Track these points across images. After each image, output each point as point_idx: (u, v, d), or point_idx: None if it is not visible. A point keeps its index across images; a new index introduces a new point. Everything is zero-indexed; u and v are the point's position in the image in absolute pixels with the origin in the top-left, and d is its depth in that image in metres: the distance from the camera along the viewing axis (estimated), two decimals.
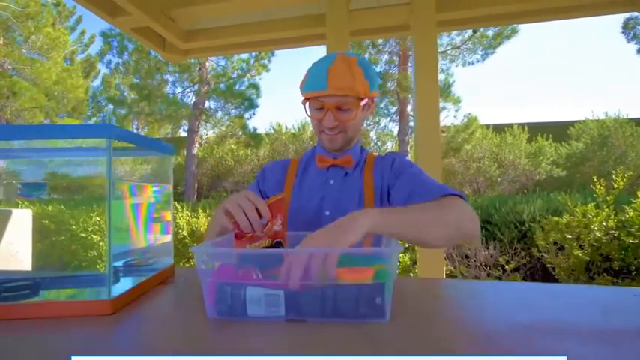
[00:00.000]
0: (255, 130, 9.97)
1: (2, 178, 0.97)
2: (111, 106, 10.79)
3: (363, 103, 0.84)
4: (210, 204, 5.68)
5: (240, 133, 10.06)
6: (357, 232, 0.55)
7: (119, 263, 0.69)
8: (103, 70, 11.77)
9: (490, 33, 7.98)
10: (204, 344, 0.45)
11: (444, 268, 2.26)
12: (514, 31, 7.79)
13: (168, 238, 0.86)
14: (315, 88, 0.83)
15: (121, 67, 10.11)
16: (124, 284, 0.65)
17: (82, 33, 12.56)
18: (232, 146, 10.58)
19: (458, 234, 0.70)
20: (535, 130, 9.22)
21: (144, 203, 0.79)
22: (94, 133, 0.57)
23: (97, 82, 12.42)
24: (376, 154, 0.99)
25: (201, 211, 4.50)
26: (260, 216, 0.62)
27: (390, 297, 0.49)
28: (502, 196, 6.22)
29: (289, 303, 0.49)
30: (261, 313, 0.50)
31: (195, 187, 9.91)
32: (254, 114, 9.89)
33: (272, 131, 10.92)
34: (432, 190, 0.79)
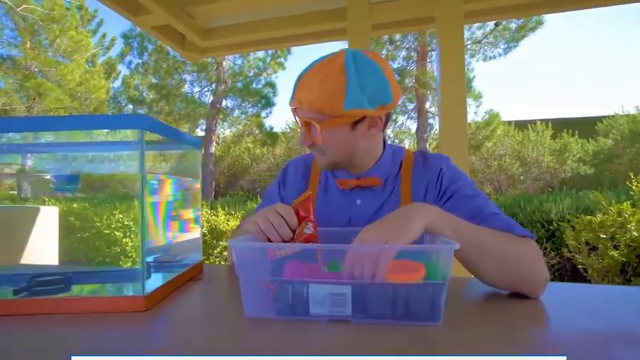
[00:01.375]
0: (271, 128, 10.00)
1: (30, 175, 0.97)
2: (130, 106, 11.03)
3: (334, 122, 0.67)
4: (228, 202, 5.73)
5: (256, 132, 10.12)
6: (417, 228, 0.50)
7: (149, 259, 0.67)
8: (124, 71, 12.04)
9: (513, 25, 7.72)
10: (240, 344, 0.42)
11: None
12: (539, 23, 7.48)
13: (197, 234, 0.84)
14: (290, 98, 0.72)
15: (140, 69, 10.32)
16: (156, 280, 0.63)
17: (104, 36, 12.88)
18: (249, 145, 10.66)
19: (519, 284, 0.58)
20: (560, 126, 8.90)
21: (172, 198, 0.77)
22: (127, 124, 0.55)
23: (117, 84, 12.73)
24: (413, 151, 0.84)
25: (220, 208, 4.54)
26: (293, 231, 0.59)
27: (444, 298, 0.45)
28: (526, 194, 6.03)
29: (356, 303, 0.46)
30: (324, 313, 0.47)
31: (213, 185, 10.04)
32: (270, 112, 9.93)
33: (288, 129, 10.94)
34: (499, 221, 0.66)
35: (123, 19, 2.36)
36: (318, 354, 0.39)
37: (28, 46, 9.91)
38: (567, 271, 3.18)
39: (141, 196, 0.55)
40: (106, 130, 0.72)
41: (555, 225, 3.40)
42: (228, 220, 4.21)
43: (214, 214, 4.42)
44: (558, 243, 3.26)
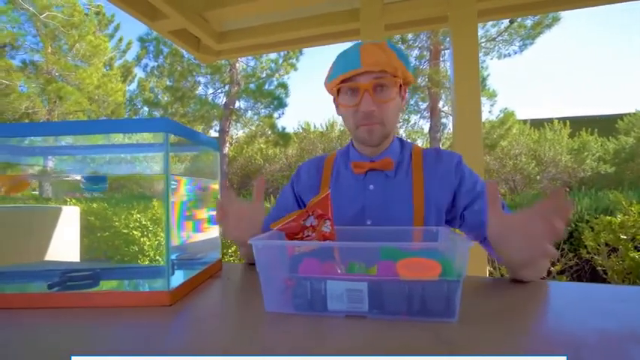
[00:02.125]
0: (283, 129, 10.07)
1: (51, 175, 1.02)
2: (146, 109, 11.27)
3: (399, 84, 0.78)
4: None
5: (269, 133, 10.21)
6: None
7: (172, 257, 0.70)
8: (139, 74, 12.32)
9: (529, 22, 7.57)
10: (261, 338, 0.44)
11: (487, 269, 2.16)
12: (556, 19, 7.31)
13: (216, 233, 0.86)
14: (348, 68, 0.75)
15: (155, 71, 10.54)
16: (179, 277, 0.66)
17: (120, 40, 13.21)
18: (262, 145, 10.76)
19: (539, 274, 0.64)
20: (578, 124, 8.67)
21: (192, 198, 0.80)
22: (152, 127, 0.58)
23: (132, 86, 13.03)
24: (422, 147, 0.88)
25: None
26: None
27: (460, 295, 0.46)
28: (542, 194, 5.90)
29: (372, 299, 0.47)
30: (342, 309, 0.48)
31: (226, 185, 10.16)
32: (283, 113, 10.00)
33: (300, 130, 10.99)
34: None
35: (138, 23, 2.43)
36: (337, 350, 0.41)
37: (49, 51, 10.25)
38: (586, 273, 3.11)
39: (165, 197, 0.58)
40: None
41: (573, 225, 3.33)
42: None
43: None
44: (576, 244, 3.19)
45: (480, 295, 0.61)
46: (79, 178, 0.88)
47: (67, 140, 0.79)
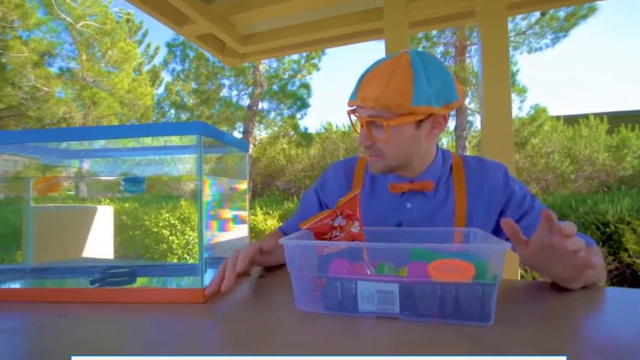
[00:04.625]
0: (306, 129, 10.12)
1: (86, 177, 1.07)
2: (173, 111, 11.63)
3: (401, 120, 0.65)
4: (266, 202, 5.87)
5: (292, 133, 10.29)
6: None
7: (205, 255, 0.72)
8: (167, 78, 12.76)
9: (562, 14, 7.21)
10: (293, 338, 0.45)
11: (519, 271, 2.08)
12: (592, 10, 6.92)
13: (245, 232, 0.88)
14: (351, 96, 0.71)
15: (181, 75, 10.87)
16: (211, 275, 0.68)
17: (148, 45, 13.73)
18: (284, 146, 10.85)
19: (588, 283, 0.61)
20: (617, 120, 8.18)
21: (224, 198, 0.82)
22: (186, 130, 0.60)
23: (160, 90, 13.50)
24: (461, 156, 0.81)
25: (258, 208, 4.67)
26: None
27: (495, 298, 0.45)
28: (578, 194, 5.62)
29: (404, 301, 0.47)
30: (372, 310, 0.48)
31: (251, 185, 10.35)
32: (305, 114, 10.05)
33: (323, 130, 11.00)
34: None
35: (165, 29, 2.52)
36: (368, 350, 0.41)
37: (84, 58, 10.80)
38: (627, 278, 2.93)
39: (199, 197, 0.60)
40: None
41: (612, 227, 3.14)
42: (266, 220, 4.33)
43: (253, 214, 4.57)
44: (616, 247, 3.01)
45: (515, 298, 0.59)
46: (112, 179, 0.93)
47: (100, 143, 0.83)
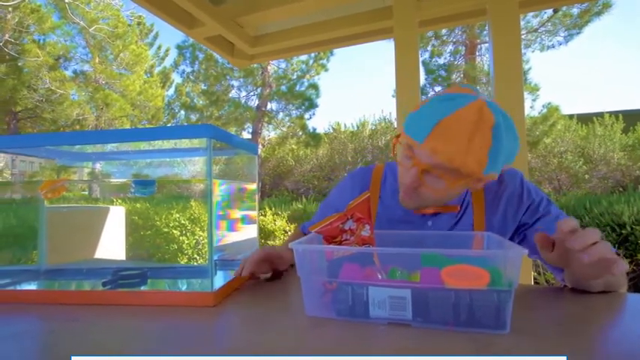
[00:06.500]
0: (314, 130, 10.13)
1: (99, 178, 1.09)
2: (183, 112, 11.76)
3: (465, 181, 0.64)
4: (275, 202, 5.89)
5: (300, 134, 10.31)
6: None
7: (215, 258, 0.72)
8: (177, 79, 12.91)
9: (575, 11, 7.06)
10: (302, 343, 0.44)
11: (532, 275, 2.04)
12: (606, 6, 6.75)
13: (254, 233, 0.88)
14: (413, 135, 0.63)
15: (191, 76, 10.99)
16: (221, 277, 0.68)
17: (159, 48, 13.92)
18: (293, 146, 10.88)
19: (608, 288, 0.61)
20: (633, 118, 7.98)
21: (233, 199, 0.82)
22: (196, 133, 0.60)
23: (170, 91, 13.67)
24: None
25: (267, 208, 4.68)
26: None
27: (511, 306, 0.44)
28: (592, 194, 5.50)
29: (416, 307, 0.46)
30: (384, 316, 0.48)
31: (260, 186, 10.39)
32: (314, 114, 10.06)
33: (331, 130, 10.99)
34: None
35: (175, 31, 2.54)
36: (381, 357, 0.40)
37: (97, 61, 11.00)
38: None
39: (209, 199, 0.60)
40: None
41: (629, 229, 3.06)
42: (275, 221, 4.34)
43: (262, 214, 4.58)
44: (632, 249, 2.93)
45: (531, 305, 0.57)
46: (124, 180, 0.93)
47: (112, 146, 0.84)
